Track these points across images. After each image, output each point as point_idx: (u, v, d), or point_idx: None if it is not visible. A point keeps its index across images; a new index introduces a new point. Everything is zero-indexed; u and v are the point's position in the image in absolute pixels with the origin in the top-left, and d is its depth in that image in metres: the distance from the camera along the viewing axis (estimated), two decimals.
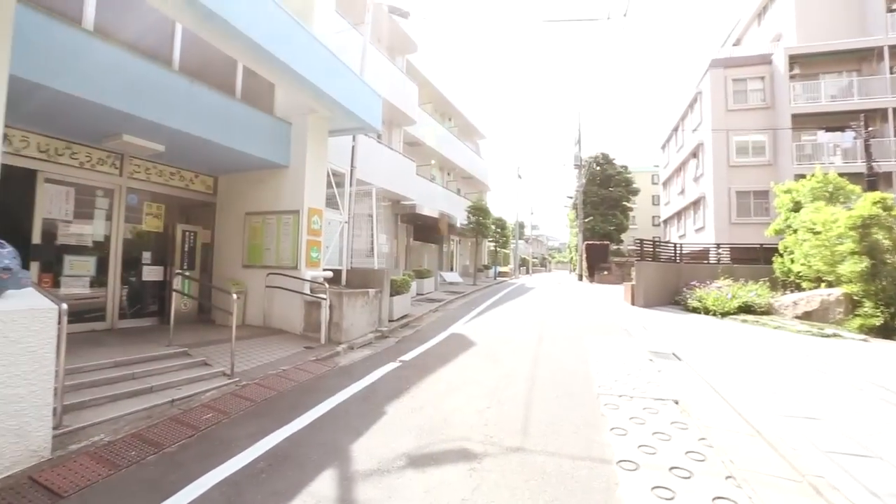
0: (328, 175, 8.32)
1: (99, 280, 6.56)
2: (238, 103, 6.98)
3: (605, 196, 35.22)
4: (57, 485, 2.99)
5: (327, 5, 9.14)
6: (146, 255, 7.20)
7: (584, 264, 28.19)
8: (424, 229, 16.82)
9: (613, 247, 31.61)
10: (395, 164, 13.55)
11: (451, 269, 23.62)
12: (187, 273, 7.54)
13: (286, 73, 6.06)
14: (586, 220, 32.85)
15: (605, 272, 26.37)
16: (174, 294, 6.09)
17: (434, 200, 17.27)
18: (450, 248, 24.25)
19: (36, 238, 5.86)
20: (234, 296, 5.49)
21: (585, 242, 29.13)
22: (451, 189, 22.74)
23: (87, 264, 6.42)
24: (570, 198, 37.51)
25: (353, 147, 9.58)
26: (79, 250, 6.34)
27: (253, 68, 6.28)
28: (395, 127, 15.14)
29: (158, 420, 4.03)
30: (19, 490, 2.91)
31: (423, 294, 13.83)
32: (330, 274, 8.13)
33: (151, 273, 7.26)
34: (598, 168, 36.26)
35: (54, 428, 3.45)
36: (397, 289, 9.34)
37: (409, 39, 15.50)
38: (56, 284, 6.06)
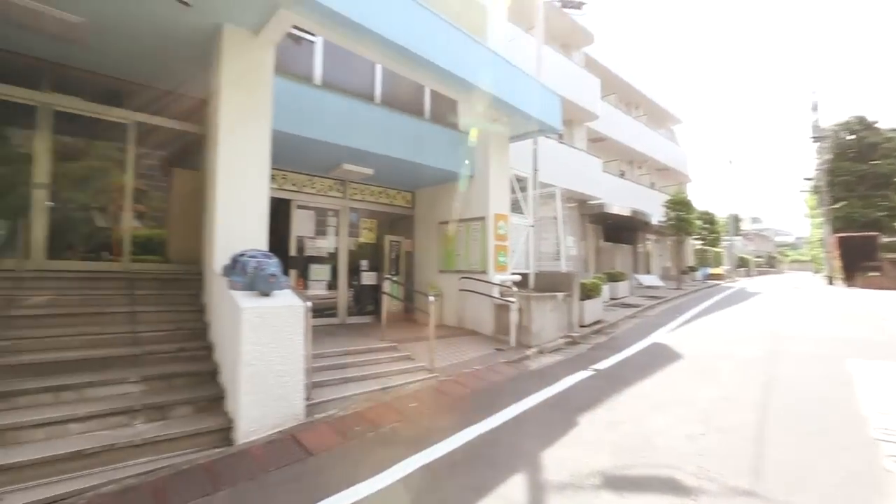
0: (511, 180, 8.48)
1: (333, 284, 8.09)
2: (427, 123, 7.74)
3: (865, 173, 26.61)
4: (309, 444, 3.72)
5: (499, 16, 9.41)
6: (363, 263, 8.57)
7: (837, 263, 21.81)
8: (615, 229, 15.64)
9: (885, 238, 23.49)
10: (578, 162, 13.01)
11: (648, 272, 21.31)
12: (395, 278, 8.67)
13: (466, 88, 6.43)
14: (836, 207, 25.46)
15: (873, 273, 19.86)
16: (384, 296, 7.06)
17: (624, 197, 15.92)
18: (645, 248, 21.96)
19: (292, 251, 7.58)
20: (431, 298, 6.01)
21: (837, 234, 22.54)
22: (643, 184, 20.61)
23: (324, 271, 7.99)
24: (809, 179, 29.58)
25: (534, 150, 9.57)
26: (318, 260, 7.95)
27: (437, 89, 6.87)
28: (577, 125, 14.56)
29: (374, 403, 4.67)
30: (286, 444, 3.73)
31: (616, 298, 12.82)
32: (517, 278, 8.23)
33: (368, 278, 8.59)
34: (852, 137, 27.70)
35: (306, 399, 4.33)
36: (587, 293, 8.86)
37: (584, 32, 14.76)
38: (306, 287, 7.71)
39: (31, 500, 2.82)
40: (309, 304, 4.48)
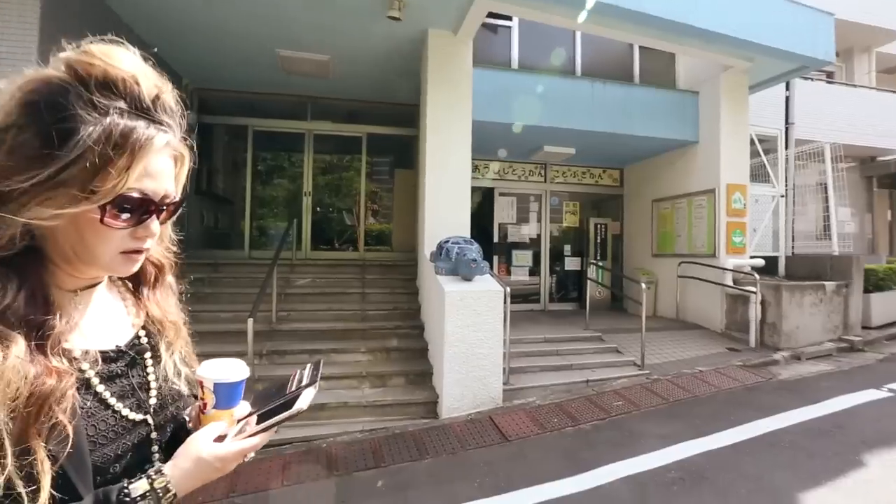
0: (752, 142, 6.75)
1: (534, 270, 8.05)
2: (636, 87, 6.81)
3: None
4: (505, 429, 3.77)
5: None
6: (566, 248, 8.23)
7: None
8: None
9: None
10: (860, 105, 9.46)
11: None
12: (600, 263, 8.06)
13: (687, 35, 5.33)
14: None
15: None
16: (588, 282, 6.62)
17: None
18: None
19: (496, 238, 7.84)
20: (644, 285, 5.33)
21: None
22: None
23: (527, 257, 8.01)
24: None
25: (787, 98, 7.38)
26: (521, 246, 8.01)
27: (651, 45, 5.93)
28: (860, 52, 10.58)
29: (575, 396, 4.41)
30: (483, 425, 3.86)
31: None
32: (760, 262, 6.56)
33: (571, 263, 8.22)
34: None
35: (504, 384, 4.40)
36: (878, 283, 6.42)
37: None
38: (508, 273, 7.90)
39: (292, 437, 3.66)
40: (508, 289, 4.52)
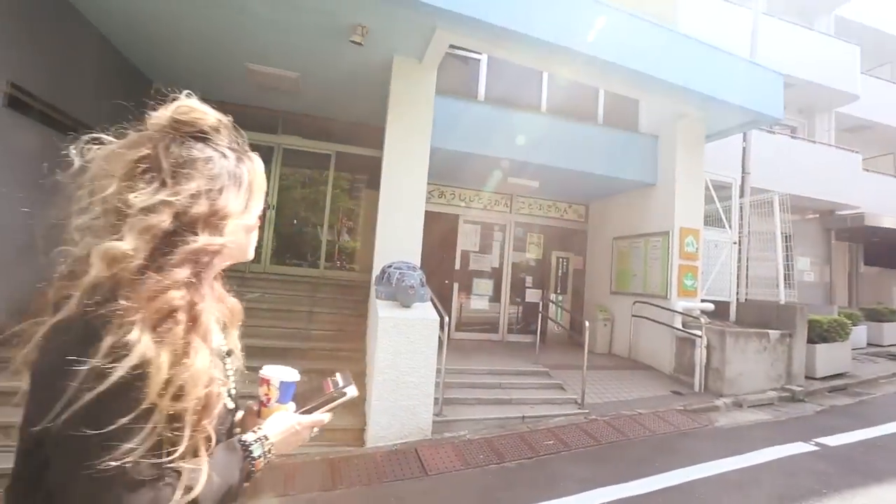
0: (707, 187, 6.95)
1: (495, 300, 8.03)
2: (599, 128, 7.02)
3: None
4: (428, 463, 3.66)
5: None
6: (528, 280, 8.26)
7: None
8: (887, 249, 11.26)
9: None
10: (820, 160, 9.88)
11: None
12: (558, 298, 8.09)
13: (646, 83, 5.53)
14: None
15: None
16: (543, 316, 6.62)
17: None
18: None
19: (457, 265, 7.83)
20: (587, 323, 5.34)
21: None
22: None
23: (488, 286, 8.01)
24: None
25: (743, 149, 7.65)
26: (482, 275, 8.02)
27: (611, 89, 6.15)
28: (820, 112, 11.10)
29: (508, 432, 4.33)
30: (407, 456, 3.75)
31: (881, 346, 9.16)
32: (710, 307, 6.66)
33: (532, 295, 8.24)
34: None
35: (436, 415, 4.31)
36: (823, 333, 6.54)
37: None
38: (467, 301, 7.86)
39: None
40: (446, 318, 4.48)
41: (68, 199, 0.69)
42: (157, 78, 6.55)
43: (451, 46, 6.32)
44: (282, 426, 0.85)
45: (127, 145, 0.71)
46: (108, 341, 0.58)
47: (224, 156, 0.75)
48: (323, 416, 0.92)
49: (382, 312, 4.11)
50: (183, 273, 0.66)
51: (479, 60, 6.74)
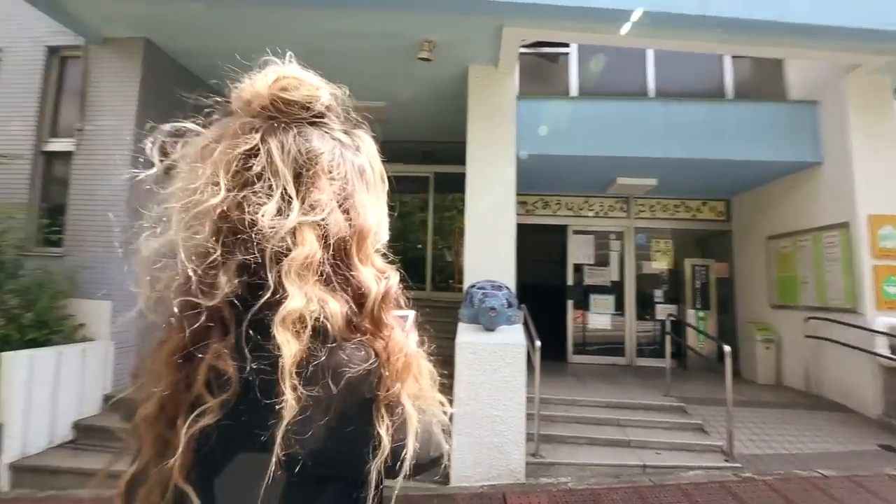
0: None
1: (618, 317, 7.00)
2: (729, 105, 5.71)
3: None
4: None
5: None
6: (658, 294, 7.03)
7: None
8: None
9: None
10: None
11: None
12: (700, 314, 6.68)
13: (797, 35, 4.25)
14: None
15: None
16: (678, 336, 5.47)
17: None
18: None
19: (569, 280, 7.06)
20: (727, 347, 4.21)
21: None
22: None
23: (607, 302, 7.03)
24: None
25: None
26: (600, 290, 7.08)
27: (748, 53, 4.95)
28: None
29: (622, 484, 3.51)
30: (493, 502, 3.26)
31: None
32: None
33: (664, 312, 6.95)
34: None
35: (532, 455, 3.72)
36: None
37: None
38: (585, 320, 6.99)
39: None
40: (538, 343, 3.93)
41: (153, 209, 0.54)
42: None
43: (532, 45, 5.89)
44: None
45: (220, 136, 0.54)
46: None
47: (342, 143, 0.58)
48: None
49: (461, 337, 3.76)
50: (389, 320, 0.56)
51: (567, 54, 6.08)
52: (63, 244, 4.73)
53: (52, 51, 5.09)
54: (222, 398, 0.45)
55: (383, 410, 0.49)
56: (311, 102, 0.56)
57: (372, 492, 0.49)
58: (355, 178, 0.58)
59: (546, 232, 7.33)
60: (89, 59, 4.93)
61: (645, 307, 7.03)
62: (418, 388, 0.55)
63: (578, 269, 7.15)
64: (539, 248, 7.69)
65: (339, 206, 0.54)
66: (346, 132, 0.61)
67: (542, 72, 6.36)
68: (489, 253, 4.89)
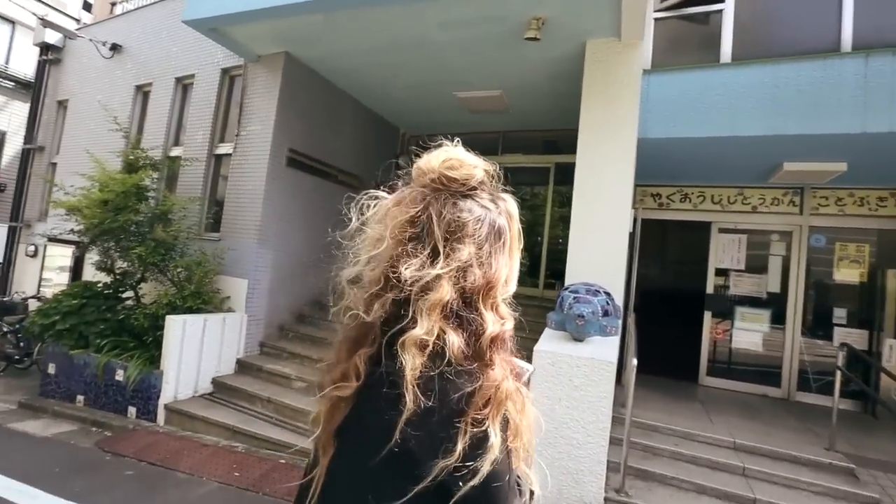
0: None
1: (774, 338, 5.63)
2: None
3: None
4: None
5: None
6: (838, 313, 5.40)
7: None
8: None
9: None
10: None
11: None
12: None
13: None
14: None
15: None
16: (879, 370, 4.14)
17: None
18: None
19: (709, 287, 5.92)
20: None
21: None
22: None
23: (761, 318, 5.69)
24: None
25: None
26: (751, 302, 5.76)
27: None
28: None
29: None
30: None
31: None
32: None
33: (847, 337, 5.33)
34: None
35: (615, 491, 3.24)
36: None
37: None
38: (728, 337, 5.80)
39: None
40: (634, 361, 3.37)
41: (345, 252, 0.74)
42: (401, 124, 7.82)
43: (676, 6, 4.99)
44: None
45: (399, 202, 0.72)
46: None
47: (488, 210, 0.72)
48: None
49: (541, 344, 3.43)
50: (499, 359, 0.67)
51: (720, 11, 4.93)
52: (220, 230, 5.76)
53: (225, 72, 6.17)
54: (354, 384, 0.66)
55: (467, 425, 0.58)
56: (468, 179, 0.70)
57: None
58: (493, 239, 0.70)
59: (685, 230, 6.26)
60: (247, 76, 5.84)
61: (816, 330, 5.49)
62: (516, 429, 0.64)
63: (723, 274, 5.93)
64: (674, 249, 6.63)
65: (478, 261, 0.67)
66: (493, 199, 0.73)
67: (686, 38, 5.33)
68: (596, 252, 4.39)
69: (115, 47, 7.13)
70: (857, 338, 5.29)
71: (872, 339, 5.22)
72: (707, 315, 5.87)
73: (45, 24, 7.09)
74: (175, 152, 6.44)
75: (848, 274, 5.41)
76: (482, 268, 0.68)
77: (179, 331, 4.70)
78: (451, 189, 0.70)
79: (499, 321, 0.68)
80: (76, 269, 7.31)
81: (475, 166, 0.72)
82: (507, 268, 0.72)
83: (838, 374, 3.96)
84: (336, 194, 6.17)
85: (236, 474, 3.79)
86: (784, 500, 3.22)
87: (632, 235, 5.49)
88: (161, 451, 4.13)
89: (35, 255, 7.93)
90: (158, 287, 5.33)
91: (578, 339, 3.46)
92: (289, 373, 5.04)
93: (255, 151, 5.59)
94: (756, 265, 5.80)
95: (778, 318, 5.61)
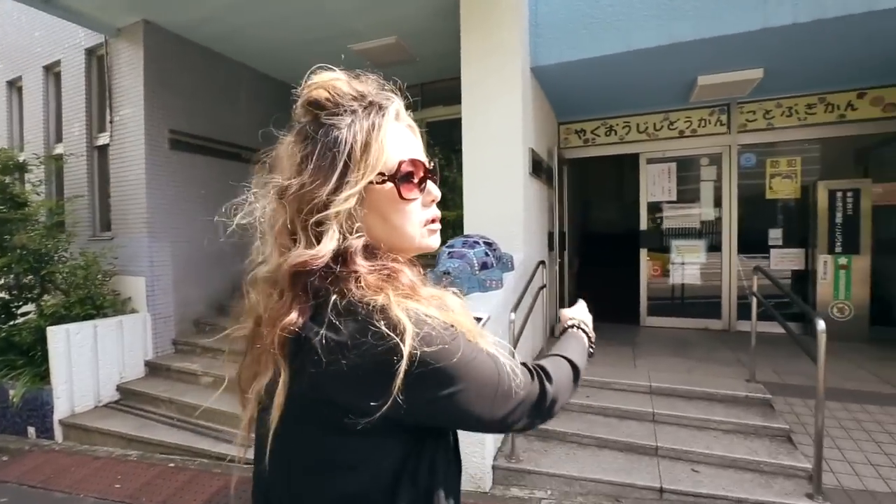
0: None
1: (711, 268, 5.31)
2: None
3: None
4: None
5: None
6: (773, 234, 5.06)
7: None
8: None
9: None
10: None
11: None
12: (842, 259, 4.60)
13: None
14: None
15: None
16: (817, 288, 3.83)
17: None
18: None
19: (642, 223, 5.55)
20: (821, 322, 2.68)
21: None
22: None
23: (696, 249, 5.36)
24: None
25: None
26: (686, 234, 5.43)
27: None
28: None
29: None
30: None
31: None
32: None
33: (784, 259, 5.02)
34: None
35: (508, 457, 2.97)
36: None
37: None
38: (664, 274, 5.49)
39: None
40: (512, 315, 3.02)
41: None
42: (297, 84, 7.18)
43: None
44: (583, 310, 1.05)
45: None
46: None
47: (323, 127, 0.67)
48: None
49: None
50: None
51: None
52: (112, 228, 5.31)
53: (90, 52, 5.54)
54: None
55: (368, 324, 0.58)
56: (314, 100, 0.70)
57: None
58: (318, 158, 0.65)
59: (613, 165, 5.84)
60: (109, 53, 5.24)
61: (753, 254, 5.17)
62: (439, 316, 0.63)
63: (656, 208, 5.56)
64: (606, 187, 6.23)
65: (299, 184, 0.65)
66: (350, 110, 0.68)
67: None
68: (490, 199, 4.00)
69: None
70: (794, 257, 4.99)
71: (808, 256, 4.90)
72: (643, 252, 5.53)
73: None
74: (59, 149, 5.89)
75: (781, 191, 5.04)
76: (302, 189, 0.64)
77: (63, 342, 4.33)
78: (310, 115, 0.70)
79: (330, 241, 0.62)
80: None
81: (311, 85, 0.69)
82: (334, 183, 0.63)
83: (754, 300, 3.64)
84: (241, 173, 5.64)
85: (117, 486, 3.51)
86: (689, 443, 2.96)
87: (558, 176, 5.09)
88: (46, 471, 3.84)
89: None
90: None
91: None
92: (196, 369, 4.72)
93: (130, 137, 5.06)
94: (688, 195, 5.42)
95: (714, 248, 5.28)
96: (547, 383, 0.71)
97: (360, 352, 0.56)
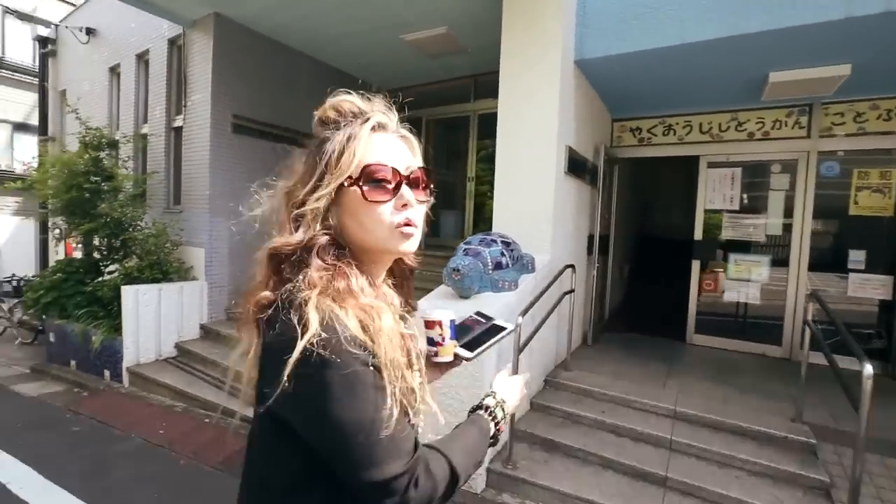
0: None
1: (775, 287, 4.77)
2: None
3: None
4: None
5: None
6: (855, 256, 4.41)
7: None
8: None
9: None
10: None
11: None
12: None
13: None
14: None
15: None
16: (809, 328, 3.35)
17: None
18: None
19: (697, 233, 5.10)
20: (867, 367, 2.30)
21: None
22: None
23: (758, 266, 4.83)
24: None
25: None
26: (747, 247, 4.90)
27: None
28: None
29: None
30: None
31: None
32: None
33: (866, 285, 4.37)
34: None
35: (504, 462, 2.91)
36: None
37: None
38: (717, 288, 5.02)
39: None
40: (519, 319, 2.93)
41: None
42: (369, 78, 7.35)
43: None
44: (514, 387, 0.97)
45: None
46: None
47: (325, 140, 0.77)
48: (523, 376, 1.02)
49: (421, 302, 3.08)
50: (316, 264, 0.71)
51: None
52: (181, 202, 5.87)
53: (171, 42, 6.10)
54: None
55: (289, 312, 0.66)
56: (326, 118, 0.80)
57: None
58: (310, 165, 0.77)
59: (671, 167, 5.42)
60: (186, 43, 5.73)
61: (826, 275, 4.56)
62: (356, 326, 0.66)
63: (712, 217, 5.07)
64: (660, 191, 5.79)
65: (293, 188, 0.79)
66: (343, 124, 0.78)
67: None
68: (521, 197, 3.89)
69: (90, 31, 7.32)
70: (879, 284, 4.32)
71: None
72: (695, 265, 5.09)
73: (22, 16, 7.40)
74: (145, 129, 6.59)
75: (869, 207, 4.35)
76: (291, 188, 0.78)
77: (133, 300, 4.91)
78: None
79: (302, 234, 0.73)
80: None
81: (325, 105, 0.79)
82: (312, 185, 0.74)
83: (807, 330, 3.22)
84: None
85: (161, 432, 3.94)
86: (705, 479, 2.72)
87: (605, 177, 4.83)
88: (113, 410, 4.41)
89: (61, 237, 8.70)
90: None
91: (464, 295, 3.09)
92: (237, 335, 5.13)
93: (199, 121, 5.54)
94: (753, 205, 4.88)
95: (779, 264, 4.72)
96: (425, 480, 0.68)
97: (272, 337, 0.65)
